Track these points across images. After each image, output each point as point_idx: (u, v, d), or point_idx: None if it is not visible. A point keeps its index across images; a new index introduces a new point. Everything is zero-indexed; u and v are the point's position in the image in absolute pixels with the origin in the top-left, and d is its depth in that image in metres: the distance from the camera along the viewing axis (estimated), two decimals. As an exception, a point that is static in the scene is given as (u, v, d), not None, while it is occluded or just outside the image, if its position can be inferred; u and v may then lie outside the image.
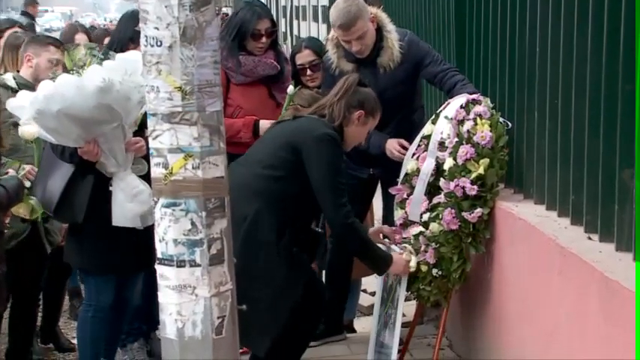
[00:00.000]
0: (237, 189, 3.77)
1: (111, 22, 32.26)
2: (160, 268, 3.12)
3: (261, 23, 5.53)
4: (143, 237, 4.61)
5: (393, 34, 5.33)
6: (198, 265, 3.07)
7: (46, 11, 42.67)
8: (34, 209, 4.65)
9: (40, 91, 4.63)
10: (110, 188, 4.79)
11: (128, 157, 4.82)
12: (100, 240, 4.88)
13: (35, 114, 4.57)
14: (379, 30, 5.34)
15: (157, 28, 2.99)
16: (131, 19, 5.37)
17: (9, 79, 5.35)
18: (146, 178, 4.67)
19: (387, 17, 5.43)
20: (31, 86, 5.12)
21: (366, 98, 4.70)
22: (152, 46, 3.01)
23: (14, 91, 5.14)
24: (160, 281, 3.13)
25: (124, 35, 5.55)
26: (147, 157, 4.65)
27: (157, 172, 3.08)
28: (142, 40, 3.05)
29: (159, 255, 3.11)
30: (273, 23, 5.68)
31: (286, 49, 11.79)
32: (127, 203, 4.76)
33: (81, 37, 6.99)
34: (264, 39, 5.55)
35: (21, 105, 4.66)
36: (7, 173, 4.32)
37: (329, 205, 4.48)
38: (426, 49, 5.42)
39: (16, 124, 4.95)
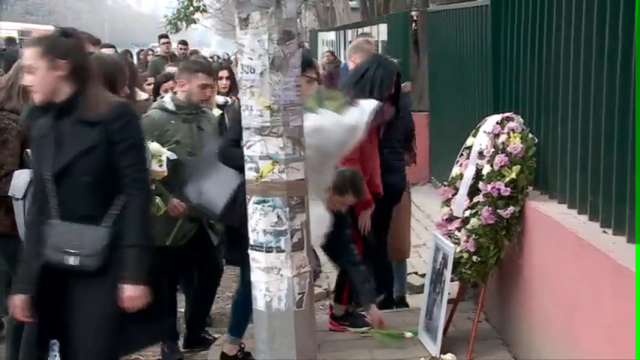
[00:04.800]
0: None
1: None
2: (252, 253, 3.15)
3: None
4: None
5: None
6: (283, 251, 3.10)
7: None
8: (158, 207, 4.59)
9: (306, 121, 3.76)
10: None
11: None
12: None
13: None
14: None
15: (250, 59, 3.03)
16: None
17: (168, 101, 5.12)
18: None
19: None
20: (185, 106, 5.02)
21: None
22: (247, 73, 3.05)
23: (171, 112, 5.02)
24: (252, 263, 3.17)
25: None
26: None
27: (249, 175, 3.11)
28: (239, 69, 3.09)
29: (251, 242, 3.14)
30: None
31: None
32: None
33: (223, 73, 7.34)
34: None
35: None
36: None
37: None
38: None
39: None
